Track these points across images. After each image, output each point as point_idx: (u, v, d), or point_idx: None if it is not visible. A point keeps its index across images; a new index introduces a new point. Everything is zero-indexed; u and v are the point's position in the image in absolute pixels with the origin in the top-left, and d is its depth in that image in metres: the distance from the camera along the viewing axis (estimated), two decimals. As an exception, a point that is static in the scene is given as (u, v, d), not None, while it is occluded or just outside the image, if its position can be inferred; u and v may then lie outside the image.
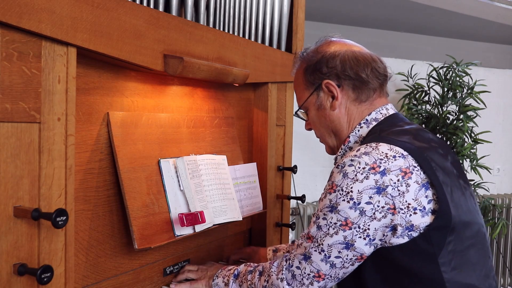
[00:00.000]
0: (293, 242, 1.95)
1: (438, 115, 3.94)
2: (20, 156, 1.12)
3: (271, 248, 1.96)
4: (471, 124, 3.96)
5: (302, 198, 2.31)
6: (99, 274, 1.45)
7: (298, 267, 1.42)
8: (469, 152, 3.87)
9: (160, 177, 1.61)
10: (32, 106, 1.14)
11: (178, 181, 1.65)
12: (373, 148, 1.38)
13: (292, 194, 2.47)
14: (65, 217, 1.14)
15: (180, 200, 1.65)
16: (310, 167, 3.93)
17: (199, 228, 1.65)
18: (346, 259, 1.37)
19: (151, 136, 1.62)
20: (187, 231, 1.63)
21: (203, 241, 1.90)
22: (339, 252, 1.36)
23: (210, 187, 1.77)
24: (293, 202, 3.45)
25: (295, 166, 2.32)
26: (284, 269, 1.44)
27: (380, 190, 1.33)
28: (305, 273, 1.40)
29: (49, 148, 1.18)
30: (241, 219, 1.87)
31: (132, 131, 1.55)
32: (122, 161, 1.49)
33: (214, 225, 1.74)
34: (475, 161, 3.92)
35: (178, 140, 1.73)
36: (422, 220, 1.33)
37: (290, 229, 2.34)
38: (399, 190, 1.33)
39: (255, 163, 2.12)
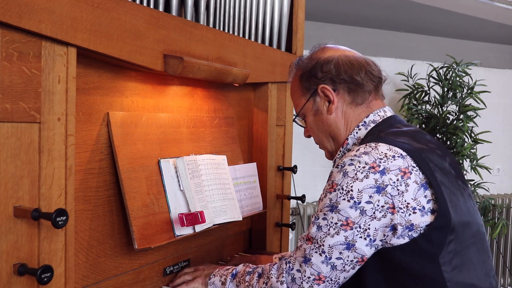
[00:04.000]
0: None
1: (438, 115, 3.94)
2: (20, 156, 1.12)
3: (277, 256, 1.93)
4: (471, 124, 3.96)
5: (302, 198, 2.31)
6: (99, 274, 1.45)
7: (298, 270, 1.41)
8: (469, 152, 3.87)
9: (160, 177, 1.61)
10: (32, 106, 1.14)
11: (178, 181, 1.65)
12: (372, 148, 1.39)
13: (292, 194, 2.47)
14: (65, 217, 1.14)
15: (180, 200, 1.65)
16: (310, 167, 3.93)
17: (199, 228, 1.65)
18: (347, 260, 1.37)
19: (151, 136, 1.62)
20: (187, 231, 1.63)
21: (203, 241, 1.90)
22: (340, 253, 1.36)
23: (210, 187, 1.77)
24: (293, 202, 3.45)
25: (295, 166, 2.32)
26: (284, 272, 1.43)
27: (380, 189, 1.33)
28: (305, 276, 1.39)
29: (49, 148, 1.18)
30: (241, 219, 1.87)
31: (132, 131, 1.55)
32: (122, 161, 1.49)
33: (214, 225, 1.74)
34: (475, 161, 3.92)
35: (178, 140, 1.73)
36: (422, 220, 1.33)
37: (290, 229, 2.34)
38: (398, 190, 1.33)
39: (255, 163, 2.12)
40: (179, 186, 1.65)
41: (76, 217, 1.35)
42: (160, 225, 1.56)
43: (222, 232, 2.01)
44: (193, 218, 1.62)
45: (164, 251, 1.70)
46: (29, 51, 1.13)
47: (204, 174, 1.75)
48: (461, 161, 3.90)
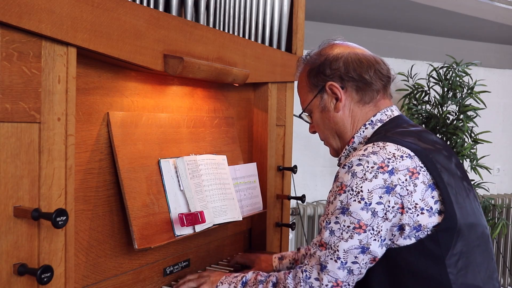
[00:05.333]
0: (298, 249, 1.94)
1: (438, 115, 3.94)
2: (20, 156, 1.12)
3: (276, 256, 1.93)
4: (471, 124, 3.96)
5: (302, 198, 2.31)
6: (99, 274, 1.45)
7: (316, 279, 1.39)
8: (469, 152, 3.87)
9: (160, 177, 1.61)
10: (32, 106, 1.14)
11: (178, 181, 1.65)
12: (380, 148, 1.38)
13: (292, 194, 2.47)
14: (65, 217, 1.14)
15: (180, 200, 1.65)
16: (310, 167, 3.93)
17: (199, 228, 1.65)
18: (363, 264, 1.36)
19: (151, 136, 1.62)
20: (187, 231, 1.63)
21: (203, 241, 1.90)
22: (356, 257, 1.35)
23: (210, 187, 1.77)
24: (293, 202, 3.45)
25: (295, 166, 2.32)
26: (301, 281, 1.41)
27: (389, 189, 1.32)
28: (323, 284, 1.38)
29: (49, 148, 1.18)
30: (241, 219, 1.87)
31: (132, 131, 1.55)
32: (122, 161, 1.49)
33: (214, 225, 1.74)
34: (475, 161, 3.92)
35: (178, 140, 1.73)
36: (430, 220, 1.33)
37: (290, 229, 2.34)
38: (407, 190, 1.33)
39: (255, 163, 2.12)
40: (179, 186, 1.65)
41: (76, 217, 1.35)
42: (160, 225, 1.56)
43: (222, 232, 2.01)
44: (193, 218, 1.61)
45: (164, 251, 1.70)
46: (29, 51, 1.13)
47: (204, 174, 1.75)
48: (461, 161, 3.89)
